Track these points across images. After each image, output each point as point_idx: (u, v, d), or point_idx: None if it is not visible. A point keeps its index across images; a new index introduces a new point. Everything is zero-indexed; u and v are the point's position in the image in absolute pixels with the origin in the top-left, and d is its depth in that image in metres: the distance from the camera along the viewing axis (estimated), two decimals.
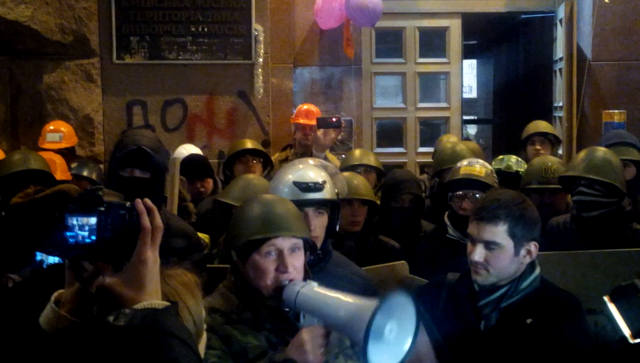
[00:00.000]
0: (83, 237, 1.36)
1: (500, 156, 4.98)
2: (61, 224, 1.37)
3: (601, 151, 3.68)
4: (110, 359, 1.31)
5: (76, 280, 1.44)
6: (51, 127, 5.80)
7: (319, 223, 2.71)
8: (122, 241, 1.38)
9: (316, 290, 2.14)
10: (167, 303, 1.38)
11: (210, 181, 4.83)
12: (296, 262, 2.28)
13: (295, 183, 2.71)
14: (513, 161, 4.78)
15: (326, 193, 2.74)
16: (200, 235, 3.90)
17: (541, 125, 5.42)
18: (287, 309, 2.25)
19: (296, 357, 2.09)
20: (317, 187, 2.72)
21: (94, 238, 1.36)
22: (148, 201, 1.43)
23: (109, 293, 1.38)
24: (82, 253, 1.38)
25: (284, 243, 2.27)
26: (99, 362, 1.33)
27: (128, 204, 1.40)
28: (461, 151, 4.52)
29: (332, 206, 2.79)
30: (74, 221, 1.36)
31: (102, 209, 1.38)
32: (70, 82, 6.13)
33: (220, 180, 5.13)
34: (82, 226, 1.36)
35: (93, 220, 1.36)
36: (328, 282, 2.51)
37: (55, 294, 1.50)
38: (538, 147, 5.13)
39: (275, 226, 2.28)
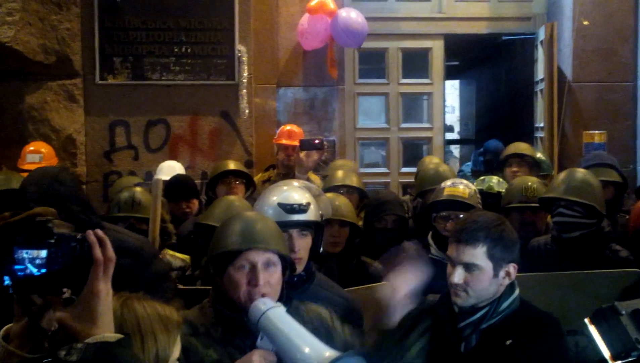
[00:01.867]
0: (32, 270, 1.33)
1: (482, 177, 5.00)
2: (9, 257, 1.34)
3: (580, 172, 3.72)
4: None
5: (24, 314, 1.40)
6: (31, 148, 5.78)
7: (303, 244, 2.72)
8: (73, 273, 1.36)
9: (282, 317, 2.13)
10: (119, 336, 1.36)
11: (195, 202, 4.83)
12: (270, 278, 2.28)
13: (280, 205, 2.73)
14: (494, 182, 4.80)
15: (310, 215, 2.76)
16: (181, 256, 3.91)
17: (520, 146, 5.32)
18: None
19: None
20: (302, 209, 2.73)
21: (43, 271, 1.33)
22: (100, 232, 1.41)
23: (61, 327, 1.35)
24: (31, 286, 1.35)
25: (258, 257, 2.28)
26: None
27: (79, 236, 1.38)
28: (444, 171, 4.57)
29: (316, 228, 2.80)
30: (23, 254, 1.33)
31: (52, 241, 1.35)
32: (52, 102, 6.11)
33: (204, 200, 5.13)
34: (32, 259, 1.33)
35: (43, 253, 1.34)
36: (312, 303, 2.53)
37: (5, 328, 1.46)
38: (515, 169, 4.99)
39: (250, 239, 2.30)
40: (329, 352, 1.95)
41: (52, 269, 1.34)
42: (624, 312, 2.13)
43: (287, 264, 2.40)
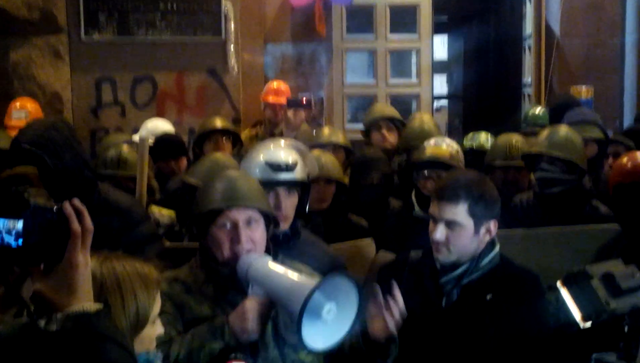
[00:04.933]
0: (9, 242, 1.31)
1: (471, 134, 5.02)
2: None
3: (563, 128, 3.75)
4: None
5: (1, 283, 1.37)
6: (17, 105, 5.74)
7: (289, 203, 2.75)
8: (51, 244, 1.33)
9: (269, 264, 2.19)
10: (99, 306, 1.36)
11: (184, 160, 4.81)
12: (252, 234, 2.30)
13: (267, 163, 2.75)
14: (483, 139, 4.83)
15: (297, 174, 2.78)
16: (166, 212, 3.93)
17: (387, 110, 5.14)
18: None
19: (236, 324, 2.14)
20: (289, 167, 2.76)
21: (20, 242, 1.31)
22: (77, 202, 1.37)
23: (40, 297, 1.34)
24: (9, 257, 1.33)
25: (239, 215, 2.30)
26: None
27: (55, 207, 1.35)
28: (429, 129, 4.58)
29: (302, 187, 2.83)
30: None
31: (29, 212, 1.32)
32: (37, 59, 6.07)
33: (192, 157, 5.13)
34: (9, 231, 1.31)
35: (19, 224, 1.31)
36: (297, 260, 2.57)
37: None
38: (385, 132, 4.84)
39: (231, 198, 2.32)
40: (315, 280, 2.01)
41: (30, 240, 1.31)
42: (594, 275, 2.18)
43: (271, 220, 2.42)
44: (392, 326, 2.19)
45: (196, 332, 2.18)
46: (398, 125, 4.93)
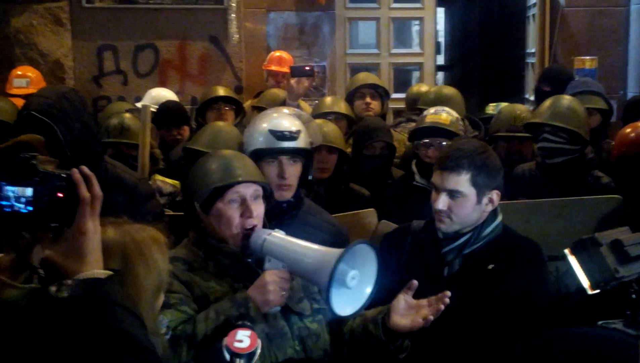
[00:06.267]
0: (19, 208, 1.32)
1: (493, 103, 5.03)
2: None
3: (566, 99, 3.74)
4: (56, 331, 1.28)
5: (11, 249, 1.39)
6: (18, 73, 5.75)
7: (293, 171, 2.76)
8: (60, 211, 1.34)
9: (283, 237, 2.23)
10: (109, 272, 1.36)
11: (186, 128, 4.82)
12: (258, 209, 2.34)
13: (271, 131, 2.75)
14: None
15: (301, 142, 2.79)
16: (170, 181, 3.94)
17: (371, 77, 5.08)
18: (249, 259, 2.31)
19: (258, 297, 2.17)
20: (292, 136, 2.76)
21: (30, 208, 1.32)
22: (85, 169, 1.38)
23: (50, 263, 1.35)
24: (18, 223, 1.34)
25: (246, 189, 2.33)
26: (44, 333, 1.30)
27: (64, 174, 1.36)
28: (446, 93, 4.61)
29: (305, 155, 2.83)
30: (9, 192, 1.32)
31: (38, 179, 1.33)
32: (39, 26, 6.04)
33: (194, 126, 5.13)
34: (18, 198, 1.32)
35: (29, 191, 1.32)
36: (300, 229, 2.58)
37: None
38: (368, 100, 4.78)
39: (236, 173, 2.34)
40: (336, 250, 2.04)
41: (39, 207, 1.32)
42: (603, 243, 2.18)
43: (267, 194, 2.44)
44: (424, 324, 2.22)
45: (219, 308, 2.19)
46: (382, 93, 4.90)
